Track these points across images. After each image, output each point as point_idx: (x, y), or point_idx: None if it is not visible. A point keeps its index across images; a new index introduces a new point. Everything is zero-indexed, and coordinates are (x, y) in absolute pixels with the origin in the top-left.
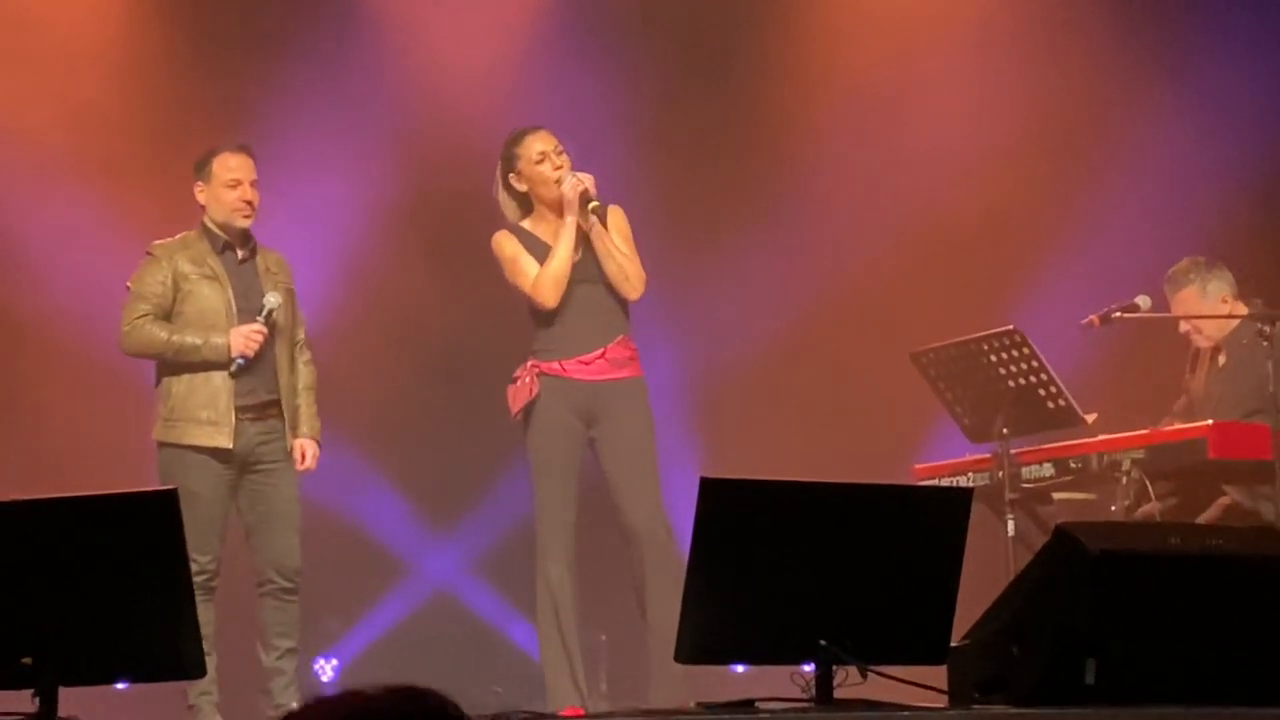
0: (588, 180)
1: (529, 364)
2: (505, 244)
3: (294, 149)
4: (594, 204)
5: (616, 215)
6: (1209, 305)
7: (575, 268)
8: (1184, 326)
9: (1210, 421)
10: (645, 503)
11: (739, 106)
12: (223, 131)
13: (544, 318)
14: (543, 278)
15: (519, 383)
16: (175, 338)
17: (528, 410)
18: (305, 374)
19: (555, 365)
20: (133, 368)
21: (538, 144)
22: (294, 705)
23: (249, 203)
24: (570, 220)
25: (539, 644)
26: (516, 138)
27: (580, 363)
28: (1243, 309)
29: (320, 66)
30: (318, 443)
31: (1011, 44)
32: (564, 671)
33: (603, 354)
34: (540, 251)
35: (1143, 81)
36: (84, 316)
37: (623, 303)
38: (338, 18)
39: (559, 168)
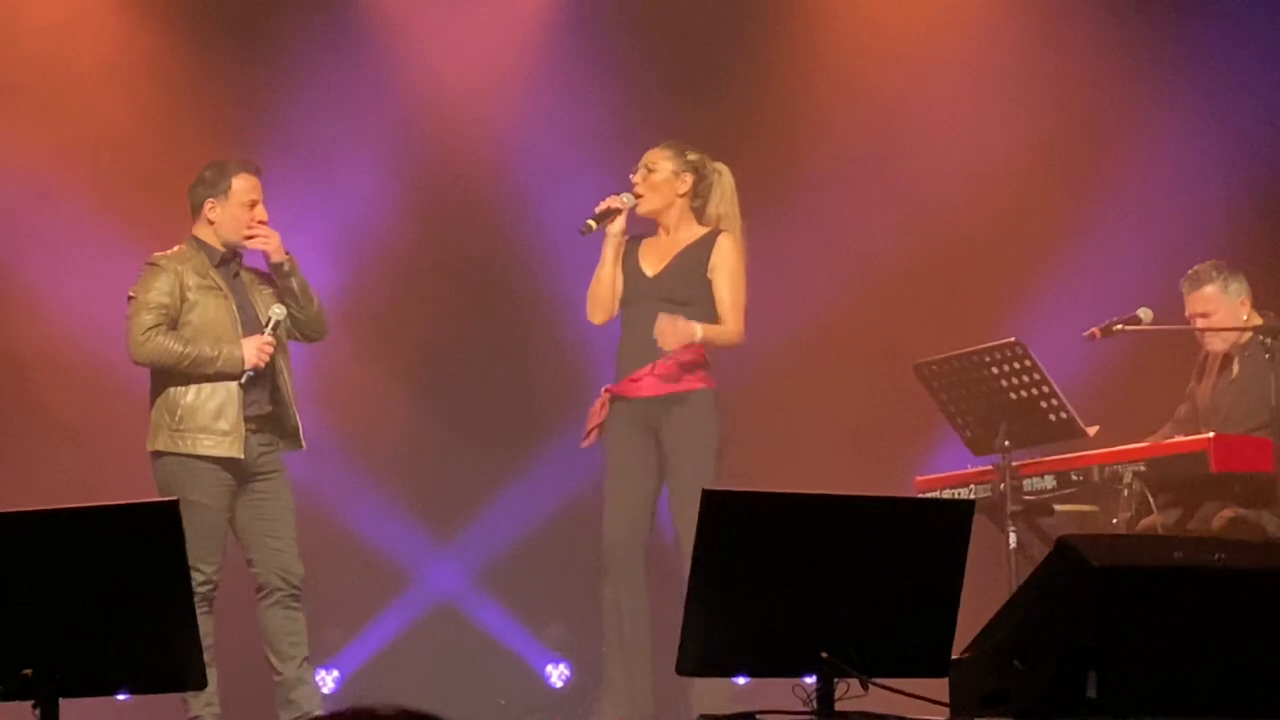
0: (613, 199)
1: (604, 387)
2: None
3: (292, 153)
4: (587, 222)
5: (727, 244)
6: (1230, 302)
7: (639, 285)
8: (1199, 325)
9: (1212, 434)
10: (690, 511)
11: (740, 115)
12: (223, 141)
13: (619, 339)
14: (588, 295)
15: (594, 406)
16: (190, 349)
17: (600, 430)
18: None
19: (617, 386)
20: (134, 383)
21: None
22: (320, 714)
23: (262, 224)
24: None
25: None
26: None
27: (630, 380)
28: (1257, 319)
29: (324, 71)
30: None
31: (1015, 56)
32: (622, 686)
33: (651, 370)
34: (624, 266)
35: (1145, 93)
36: (76, 332)
37: (692, 319)
38: (340, 26)
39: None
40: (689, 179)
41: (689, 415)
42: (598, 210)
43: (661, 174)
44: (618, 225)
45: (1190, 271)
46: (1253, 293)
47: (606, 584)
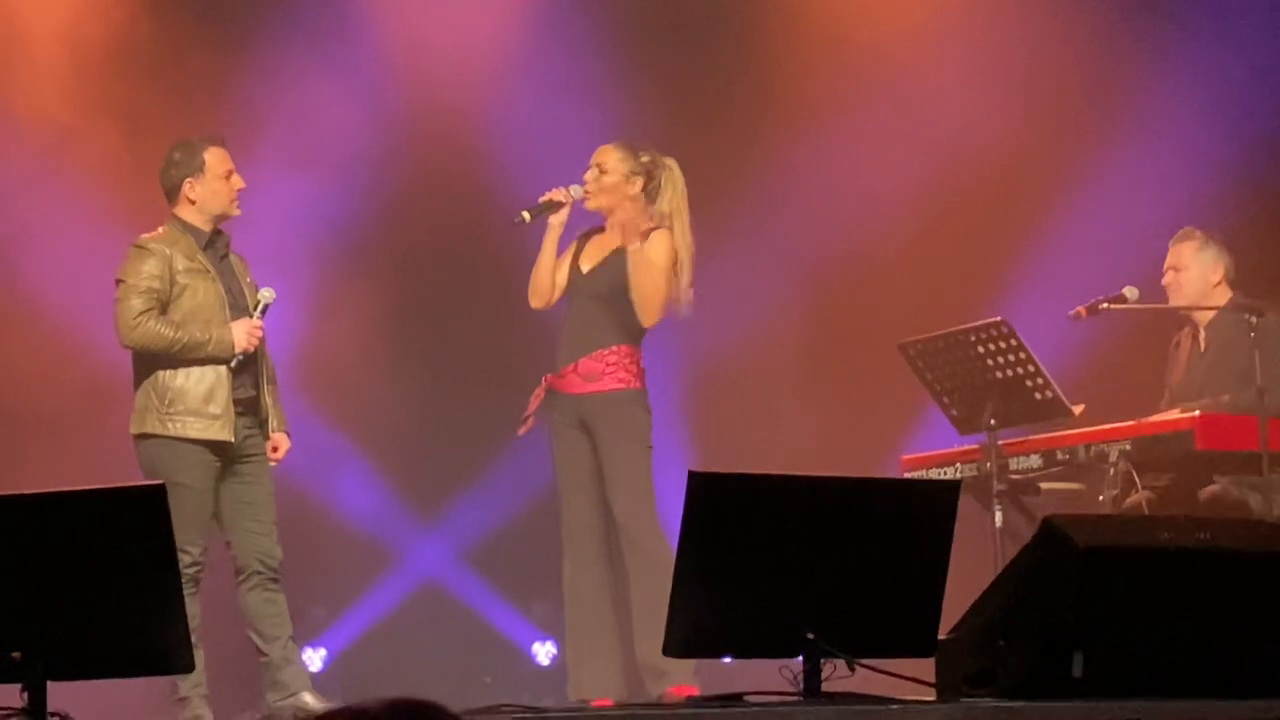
0: (558, 191)
1: (545, 376)
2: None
3: (277, 136)
4: (522, 213)
5: (656, 240)
6: (1202, 262)
7: (575, 281)
8: (1167, 278)
9: (1198, 412)
10: (625, 505)
11: (727, 94)
12: (206, 124)
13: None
14: (530, 281)
15: (535, 393)
16: (181, 334)
17: (538, 419)
18: (271, 368)
19: (552, 378)
20: (118, 368)
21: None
22: (307, 693)
23: (240, 191)
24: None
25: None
26: None
27: (558, 376)
28: (1228, 292)
29: (307, 56)
30: (288, 435)
31: (1005, 37)
32: (581, 666)
33: (574, 368)
34: (571, 259)
35: (1136, 74)
36: (56, 317)
37: (620, 317)
38: (312, 10)
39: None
40: (639, 182)
41: (614, 414)
42: (540, 200)
43: (613, 177)
44: (559, 217)
45: (1181, 230)
46: (1239, 271)
47: (567, 565)
